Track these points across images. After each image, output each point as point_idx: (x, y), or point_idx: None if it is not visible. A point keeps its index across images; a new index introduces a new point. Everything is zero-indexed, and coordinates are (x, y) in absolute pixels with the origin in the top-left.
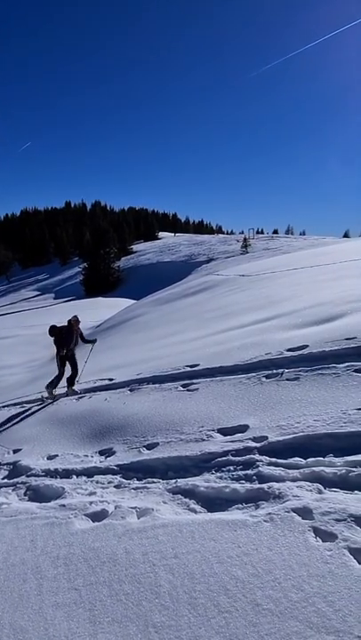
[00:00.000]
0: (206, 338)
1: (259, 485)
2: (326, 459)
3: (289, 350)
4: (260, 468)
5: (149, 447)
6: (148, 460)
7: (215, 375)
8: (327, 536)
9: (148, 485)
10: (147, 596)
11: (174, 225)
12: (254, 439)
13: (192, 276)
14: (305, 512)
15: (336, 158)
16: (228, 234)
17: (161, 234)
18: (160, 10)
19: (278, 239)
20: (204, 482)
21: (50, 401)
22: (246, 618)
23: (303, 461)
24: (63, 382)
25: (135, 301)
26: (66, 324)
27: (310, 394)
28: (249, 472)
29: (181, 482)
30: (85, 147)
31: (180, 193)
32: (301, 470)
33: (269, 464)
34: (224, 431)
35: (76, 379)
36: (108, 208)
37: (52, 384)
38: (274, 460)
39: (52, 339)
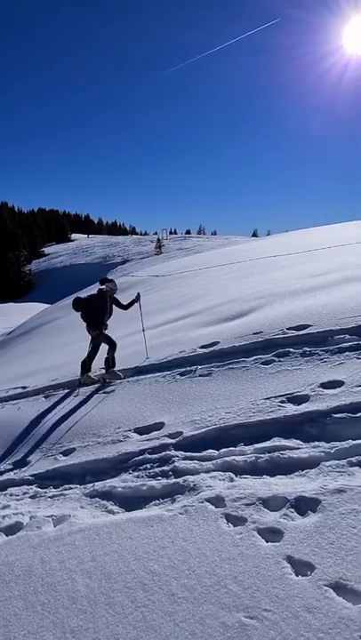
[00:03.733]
0: (122, 339)
1: (175, 480)
2: (237, 448)
3: (202, 347)
4: (175, 464)
5: (66, 453)
6: (65, 467)
7: (131, 376)
8: (238, 520)
9: (65, 492)
10: (63, 602)
11: (87, 226)
12: (170, 435)
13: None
14: (218, 500)
15: (242, 160)
16: (142, 234)
17: (74, 235)
18: (65, 15)
19: (191, 239)
20: (122, 482)
21: (91, 385)
22: (162, 609)
23: (216, 452)
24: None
25: (49, 305)
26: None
27: (222, 388)
28: (165, 468)
29: (99, 485)
30: None
31: (92, 193)
32: (215, 461)
33: (185, 458)
34: (140, 430)
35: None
36: (16, 209)
37: (85, 368)
38: (189, 454)
39: (80, 314)
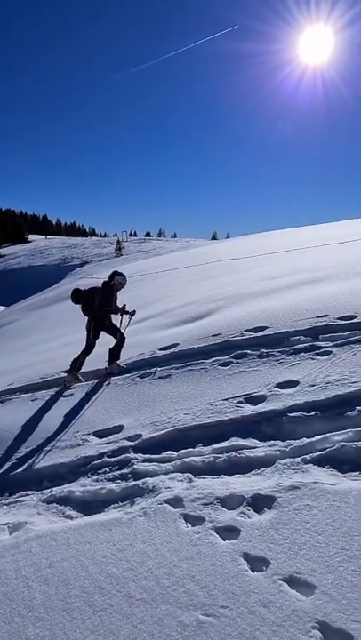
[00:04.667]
0: (82, 343)
1: (134, 482)
2: (196, 449)
3: (161, 349)
4: (135, 466)
5: (23, 459)
6: (22, 473)
7: (89, 379)
8: (196, 520)
9: (21, 499)
10: (20, 611)
11: (45, 227)
12: (129, 438)
13: (66, 279)
14: (176, 501)
15: (202, 164)
16: (102, 236)
17: (31, 236)
18: (34, 14)
19: (151, 241)
20: (80, 487)
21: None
22: (121, 611)
23: (175, 454)
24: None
25: (6, 308)
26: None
27: (181, 389)
28: (124, 471)
29: (57, 490)
30: None
31: (51, 194)
32: (173, 463)
33: (144, 460)
34: (100, 434)
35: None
36: None
37: (78, 361)
38: (148, 456)
39: (80, 307)
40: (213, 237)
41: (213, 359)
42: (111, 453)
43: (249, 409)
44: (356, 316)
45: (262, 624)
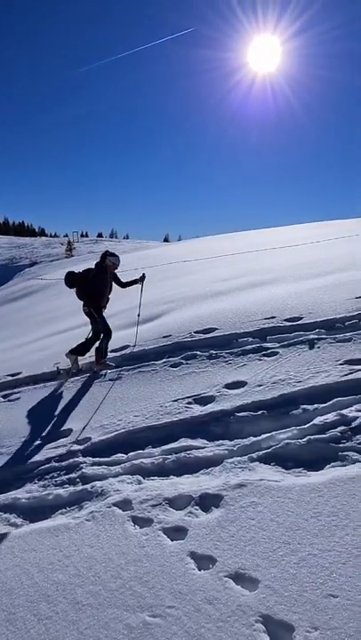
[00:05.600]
0: (30, 344)
1: (82, 487)
2: (146, 450)
3: (112, 351)
4: (83, 470)
5: None
6: None
7: (38, 382)
8: (144, 522)
9: None
10: None
11: None
12: (78, 442)
13: (14, 280)
14: (125, 504)
15: (154, 166)
16: (52, 236)
17: None
18: None
19: (103, 242)
20: (26, 493)
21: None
22: (66, 618)
23: (125, 456)
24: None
25: None
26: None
27: (131, 391)
28: (72, 475)
29: (1, 497)
30: None
31: None
32: (123, 465)
33: (93, 464)
34: (47, 438)
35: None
36: None
37: (101, 350)
38: (97, 459)
39: (75, 291)
40: (166, 239)
41: (164, 360)
42: (59, 458)
43: (198, 409)
44: (301, 318)
45: (208, 621)
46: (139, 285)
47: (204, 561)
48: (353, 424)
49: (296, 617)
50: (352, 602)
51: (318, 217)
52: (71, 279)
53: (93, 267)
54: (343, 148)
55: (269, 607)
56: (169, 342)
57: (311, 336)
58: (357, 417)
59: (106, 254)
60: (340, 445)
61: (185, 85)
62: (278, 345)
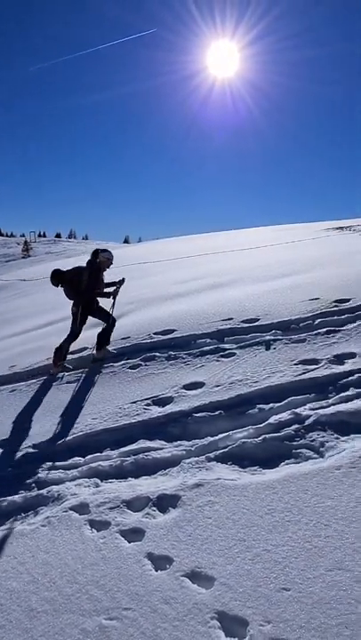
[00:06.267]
0: None
1: (38, 492)
2: (104, 453)
3: (70, 354)
4: (39, 475)
5: None
6: None
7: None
8: (102, 525)
9: None
10: None
11: None
12: (34, 446)
13: None
14: (82, 507)
15: (114, 167)
16: (8, 236)
17: None
18: None
19: (61, 243)
20: None
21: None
22: (20, 626)
23: (82, 459)
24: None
25: None
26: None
27: (90, 394)
28: (28, 480)
29: None
30: None
31: None
32: (80, 468)
33: (49, 468)
34: (2, 444)
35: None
36: None
37: (63, 349)
38: (54, 463)
39: (63, 289)
40: (126, 241)
41: (122, 362)
42: (14, 463)
43: (157, 411)
44: (258, 319)
45: (164, 621)
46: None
47: (161, 561)
48: (306, 422)
49: (250, 612)
50: (303, 594)
51: (279, 221)
52: (58, 277)
53: (85, 264)
54: (301, 153)
55: (224, 604)
56: (128, 344)
57: (267, 337)
58: (310, 415)
59: (97, 251)
60: (294, 443)
61: (146, 86)
62: (236, 346)
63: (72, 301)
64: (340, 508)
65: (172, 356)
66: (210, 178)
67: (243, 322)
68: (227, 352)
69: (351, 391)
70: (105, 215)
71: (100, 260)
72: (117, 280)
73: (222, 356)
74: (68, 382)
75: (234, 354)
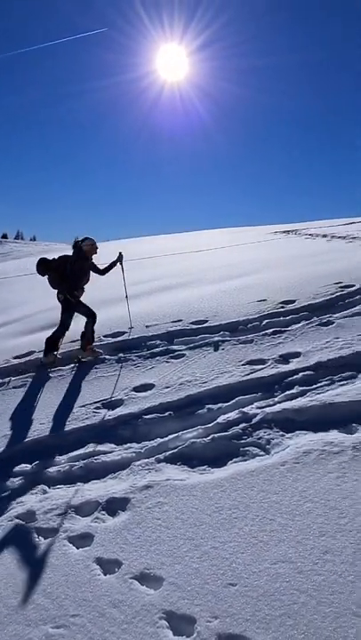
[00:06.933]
0: None
1: None
2: (52, 459)
3: (16, 357)
4: None
5: None
6: None
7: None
8: (49, 532)
9: None
10: None
11: None
12: None
13: None
14: (29, 515)
15: (68, 166)
16: None
17: None
18: None
19: (8, 244)
20: None
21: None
22: None
23: (29, 467)
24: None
25: None
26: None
27: (38, 399)
28: None
29: None
30: None
31: None
32: (27, 476)
33: None
34: None
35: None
36: None
37: (52, 339)
38: None
39: (48, 278)
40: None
41: (72, 365)
42: None
43: (106, 414)
44: (206, 321)
45: (112, 625)
46: (119, 267)
47: (109, 565)
48: (253, 421)
49: (198, 609)
50: (248, 588)
51: (235, 223)
52: (44, 266)
53: (71, 254)
54: (251, 158)
55: (173, 603)
56: (77, 347)
57: (216, 338)
58: (257, 414)
59: (78, 242)
60: (242, 441)
61: (95, 86)
62: (185, 347)
63: (56, 290)
64: (285, 503)
65: (123, 358)
66: (163, 180)
67: (192, 323)
68: (176, 353)
69: (296, 389)
70: (54, 216)
71: (85, 248)
72: (116, 258)
73: (172, 358)
74: (14, 387)
75: (183, 355)
